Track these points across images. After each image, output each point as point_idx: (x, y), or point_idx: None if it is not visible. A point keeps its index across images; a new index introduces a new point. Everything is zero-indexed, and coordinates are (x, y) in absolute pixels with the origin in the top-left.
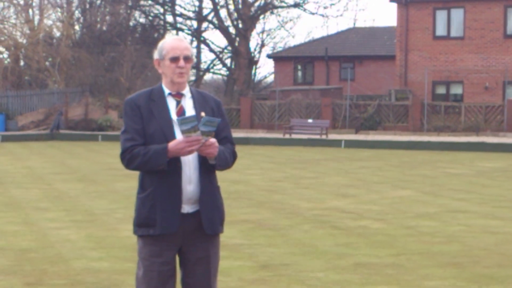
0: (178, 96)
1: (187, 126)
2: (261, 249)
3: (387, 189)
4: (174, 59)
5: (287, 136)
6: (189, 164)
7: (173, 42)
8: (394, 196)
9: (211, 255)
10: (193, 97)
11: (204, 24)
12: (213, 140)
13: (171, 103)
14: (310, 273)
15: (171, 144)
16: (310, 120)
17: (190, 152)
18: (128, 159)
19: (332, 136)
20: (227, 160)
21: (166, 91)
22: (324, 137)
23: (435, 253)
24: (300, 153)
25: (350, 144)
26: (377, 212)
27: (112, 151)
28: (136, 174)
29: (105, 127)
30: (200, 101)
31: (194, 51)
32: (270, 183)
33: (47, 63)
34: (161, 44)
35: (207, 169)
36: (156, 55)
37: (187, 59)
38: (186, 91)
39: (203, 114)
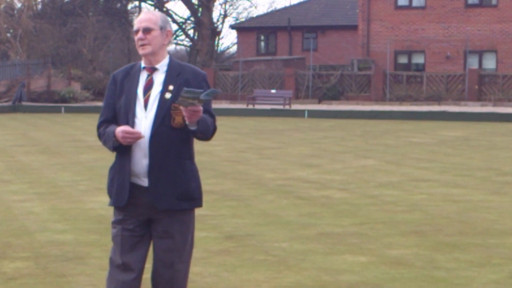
0: (150, 70)
1: (190, 94)
2: (226, 220)
3: (350, 158)
4: (136, 32)
5: (250, 106)
6: (144, 139)
7: (139, 16)
8: (357, 165)
9: (174, 231)
10: (168, 70)
11: None
12: (200, 108)
13: (143, 77)
14: (274, 243)
15: (117, 130)
16: (273, 91)
17: (128, 143)
18: (98, 136)
19: (295, 106)
20: (208, 128)
21: (143, 65)
22: (287, 107)
23: (398, 221)
24: (263, 124)
25: (313, 114)
26: (340, 181)
27: (75, 122)
28: (99, 146)
29: (68, 99)
30: (175, 74)
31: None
32: (234, 154)
33: (8, 34)
34: None
35: (163, 142)
36: None
37: (146, 30)
38: (161, 65)
39: (170, 87)
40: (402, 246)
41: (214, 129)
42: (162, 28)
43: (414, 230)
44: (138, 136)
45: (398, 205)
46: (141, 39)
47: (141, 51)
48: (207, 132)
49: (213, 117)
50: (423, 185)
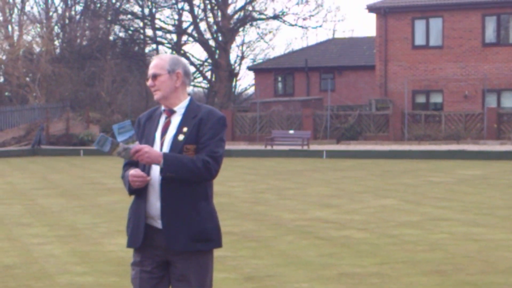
0: (168, 113)
1: (106, 145)
2: (246, 261)
3: (370, 198)
4: (147, 79)
5: (268, 147)
6: (158, 181)
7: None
8: (376, 205)
9: (191, 275)
10: (185, 112)
11: (184, 37)
12: (137, 147)
13: (162, 120)
14: (295, 284)
15: (129, 173)
16: (291, 131)
17: (137, 186)
18: (121, 178)
19: (314, 147)
20: (185, 167)
21: (163, 108)
22: (305, 148)
23: (418, 261)
24: (282, 165)
25: (331, 154)
26: (360, 221)
27: (94, 165)
28: (118, 188)
29: (86, 142)
30: (191, 116)
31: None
32: (253, 195)
33: (27, 78)
34: None
35: (174, 184)
36: None
37: (154, 76)
38: (180, 107)
39: (185, 129)
40: (423, 286)
41: (207, 169)
42: (170, 72)
43: (435, 270)
44: (144, 180)
45: (419, 244)
46: (150, 86)
47: (154, 97)
48: (182, 172)
49: (212, 156)
50: (443, 224)
